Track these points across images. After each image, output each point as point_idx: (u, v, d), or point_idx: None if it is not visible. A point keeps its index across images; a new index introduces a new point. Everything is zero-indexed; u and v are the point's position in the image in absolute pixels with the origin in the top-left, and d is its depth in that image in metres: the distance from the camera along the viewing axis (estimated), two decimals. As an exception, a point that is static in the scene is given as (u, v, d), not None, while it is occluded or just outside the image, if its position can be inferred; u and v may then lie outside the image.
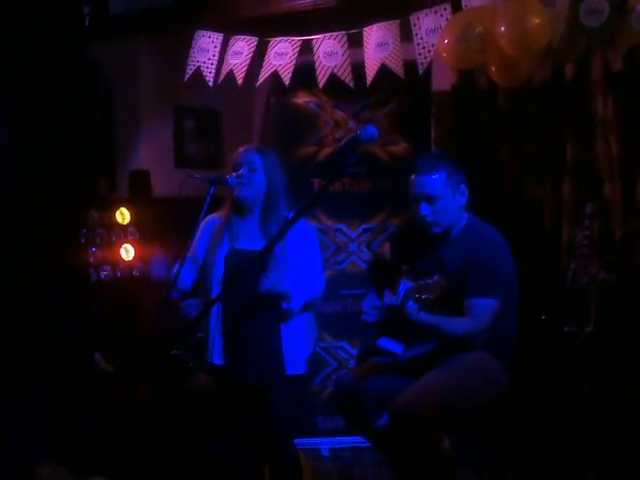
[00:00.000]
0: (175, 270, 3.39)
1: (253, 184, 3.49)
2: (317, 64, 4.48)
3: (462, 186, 3.45)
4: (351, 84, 4.44)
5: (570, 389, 3.97)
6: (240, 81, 4.56)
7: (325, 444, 4.88)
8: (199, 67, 4.61)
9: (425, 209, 3.40)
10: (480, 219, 3.52)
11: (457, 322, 3.31)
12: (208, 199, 3.39)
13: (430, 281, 3.15)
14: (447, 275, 3.24)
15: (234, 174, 3.49)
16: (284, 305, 3.38)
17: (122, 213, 4.88)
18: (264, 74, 4.54)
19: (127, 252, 4.90)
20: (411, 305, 3.17)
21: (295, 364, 3.44)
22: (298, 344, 3.45)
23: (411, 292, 3.19)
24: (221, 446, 4.11)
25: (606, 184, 4.59)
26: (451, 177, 3.41)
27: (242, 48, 4.53)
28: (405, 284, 3.23)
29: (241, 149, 3.58)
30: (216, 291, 3.48)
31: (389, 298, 3.30)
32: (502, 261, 3.38)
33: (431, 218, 3.40)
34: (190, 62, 4.62)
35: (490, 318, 3.30)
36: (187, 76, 4.64)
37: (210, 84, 4.63)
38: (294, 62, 4.47)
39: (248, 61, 4.52)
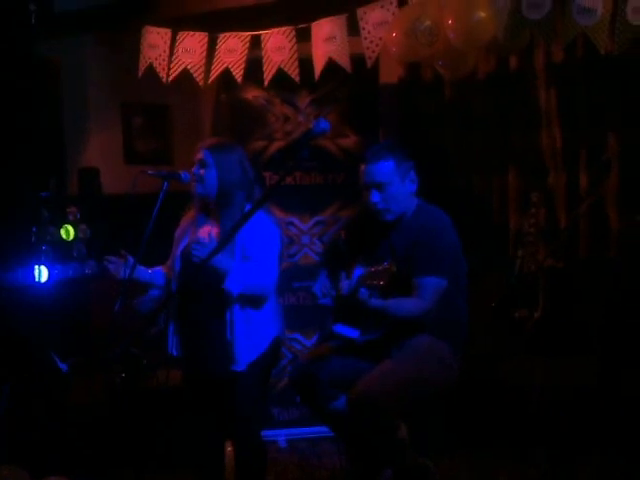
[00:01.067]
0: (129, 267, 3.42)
1: (204, 181, 3.50)
2: (264, 59, 4.50)
3: (411, 173, 3.53)
4: (297, 79, 4.46)
5: (520, 374, 4.06)
6: (200, 81, 4.56)
7: (282, 435, 4.92)
8: (151, 64, 4.59)
9: (375, 196, 3.47)
10: (428, 203, 3.59)
11: (403, 303, 3.38)
12: (162, 195, 3.39)
13: (380, 267, 3.21)
14: (398, 259, 3.31)
15: (189, 171, 3.51)
16: (223, 284, 3.36)
17: (67, 230, 4.84)
18: (215, 71, 4.54)
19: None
20: (362, 292, 3.24)
21: (237, 361, 3.44)
22: (242, 342, 3.45)
23: (362, 279, 3.26)
24: (180, 443, 4.12)
25: (551, 173, 4.71)
26: (399, 164, 3.48)
27: (194, 45, 4.52)
28: (358, 271, 3.30)
29: (198, 146, 3.59)
30: (174, 285, 3.51)
31: (344, 283, 3.36)
32: (447, 240, 3.45)
33: (382, 205, 3.47)
34: (142, 58, 4.60)
35: (435, 296, 3.37)
36: (140, 72, 4.62)
37: (164, 80, 4.62)
38: (245, 58, 4.49)
39: (204, 60, 4.52)
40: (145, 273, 3.63)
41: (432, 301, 3.36)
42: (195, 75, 4.54)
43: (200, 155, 3.52)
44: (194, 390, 3.62)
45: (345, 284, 3.35)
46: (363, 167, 3.51)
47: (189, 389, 3.65)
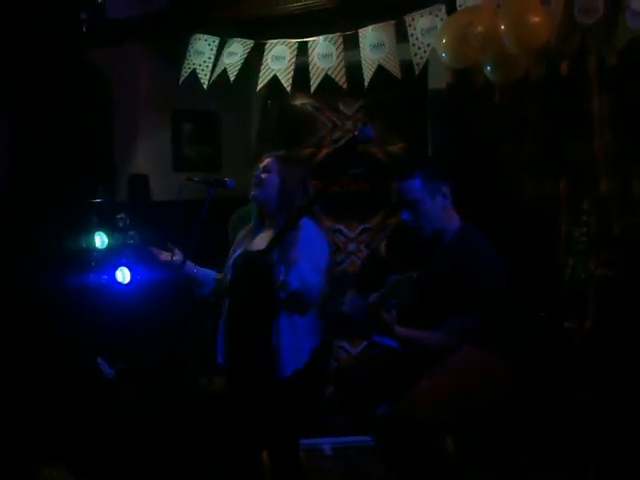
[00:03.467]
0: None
1: (265, 185, 3.53)
2: (311, 66, 4.50)
3: (443, 188, 3.43)
4: (344, 86, 4.46)
5: (569, 386, 3.98)
6: (232, 78, 4.57)
7: (328, 443, 4.89)
8: (194, 69, 4.63)
9: (406, 215, 3.41)
10: (473, 229, 3.50)
11: (428, 338, 3.32)
12: (208, 202, 3.42)
13: (402, 277, 3.16)
14: (431, 280, 3.26)
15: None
16: (283, 276, 3.37)
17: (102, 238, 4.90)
18: (263, 78, 4.56)
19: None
20: (388, 316, 3.21)
21: (283, 368, 3.44)
22: (287, 349, 3.45)
23: (386, 291, 3.22)
24: (222, 448, 4.12)
25: (603, 180, 4.62)
26: (428, 181, 3.40)
27: (237, 49, 4.55)
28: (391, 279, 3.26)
29: (265, 155, 3.66)
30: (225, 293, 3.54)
31: (374, 295, 3.33)
32: (486, 276, 3.33)
33: (413, 224, 3.41)
34: (186, 65, 4.65)
35: (461, 335, 3.30)
36: (182, 79, 4.66)
37: (205, 86, 4.65)
38: (293, 66, 4.50)
39: (242, 60, 4.54)
40: (196, 269, 3.66)
41: (456, 340, 3.30)
42: (230, 74, 4.55)
43: (265, 161, 3.57)
44: (236, 398, 3.61)
45: (374, 296, 3.31)
46: (393, 184, 3.46)
47: (231, 397, 3.65)
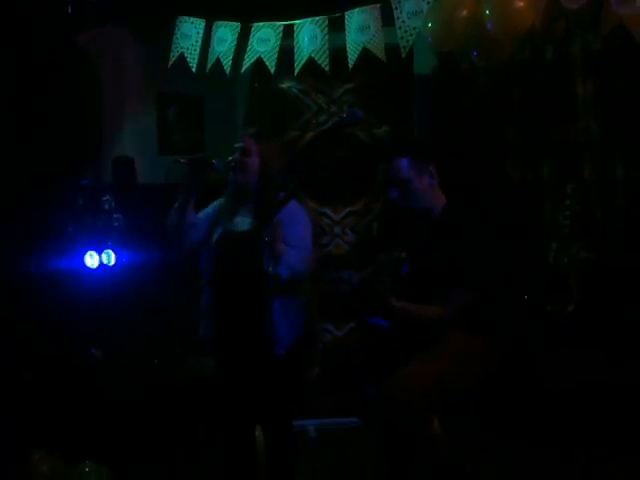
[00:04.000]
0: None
1: (245, 168, 3.52)
2: (296, 49, 4.49)
3: (430, 167, 3.48)
4: (327, 68, 4.46)
5: (552, 368, 4.02)
6: (227, 70, 4.57)
7: (312, 425, 4.92)
8: (182, 53, 4.61)
9: (394, 193, 3.44)
10: (459, 206, 3.54)
11: (427, 311, 3.33)
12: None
13: (391, 255, 3.19)
14: (423, 257, 3.29)
15: (229, 158, 3.53)
16: (271, 269, 3.39)
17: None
18: (248, 60, 4.55)
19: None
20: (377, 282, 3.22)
21: (277, 345, 3.47)
22: (281, 325, 3.48)
23: (377, 268, 3.24)
24: (212, 430, 4.15)
25: (586, 165, 4.65)
26: (416, 160, 3.44)
27: (226, 35, 4.53)
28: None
29: (241, 135, 3.63)
30: (208, 271, 3.52)
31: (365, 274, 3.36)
32: (481, 251, 3.36)
33: (402, 203, 3.44)
34: (173, 48, 4.62)
35: (459, 305, 3.33)
36: (170, 62, 4.64)
37: (194, 70, 4.64)
38: (278, 48, 4.48)
39: (233, 47, 4.53)
40: (195, 216, 3.62)
41: (454, 310, 3.32)
42: (224, 64, 4.54)
43: (244, 143, 3.54)
44: (227, 375, 3.62)
45: (366, 273, 3.34)
46: (380, 165, 3.48)
47: (222, 374, 3.65)
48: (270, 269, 3.37)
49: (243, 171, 3.52)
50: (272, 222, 3.34)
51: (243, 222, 3.54)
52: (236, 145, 3.55)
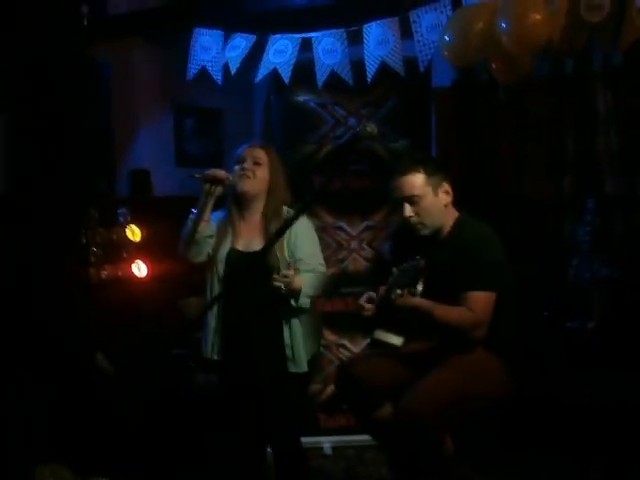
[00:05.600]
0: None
1: (256, 177, 3.49)
2: (316, 62, 4.47)
3: (444, 184, 3.43)
4: (350, 82, 4.43)
5: (572, 386, 3.96)
6: (233, 71, 4.54)
7: (328, 442, 4.87)
8: (204, 66, 4.59)
9: (408, 210, 3.39)
10: (470, 216, 3.49)
11: (453, 310, 3.27)
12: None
13: (407, 265, 3.15)
14: (438, 275, 3.24)
15: (237, 167, 3.49)
16: (294, 303, 3.38)
17: (133, 231, 4.87)
18: (263, 71, 4.53)
19: (139, 269, 4.90)
20: (396, 292, 3.16)
21: (297, 363, 3.44)
22: (300, 343, 3.45)
23: (394, 279, 3.20)
24: (224, 445, 4.10)
25: (607, 179, 4.59)
26: (430, 176, 3.40)
27: (240, 43, 4.52)
28: None
29: (245, 145, 3.59)
30: (216, 289, 3.48)
31: (382, 289, 3.31)
32: (492, 254, 3.34)
33: (415, 219, 3.39)
34: (193, 61, 4.61)
35: (487, 309, 3.27)
36: (192, 75, 4.62)
37: (219, 82, 4.62)
38: (294, 60, 4.46)
39: (243, 54, 4.51)
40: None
41: (484, 315, 3.26)
42: (231, 67, 4.52)
43: (254, 152, 3.50)
44: (235, 395, 3.58)
45: (382, 290, 3.30)
46: (394, 181, 3.44)
47: (230, 393, 3.61)
48: (292, 303, 3.35)
49: (253, 180, 3.49)
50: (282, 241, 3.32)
51: (250, 239, 3.50)
52: (197, 175, 3.47)
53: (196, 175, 3.45)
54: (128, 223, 4.89)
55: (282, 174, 3.55)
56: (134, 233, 4.85)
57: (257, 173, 3.50)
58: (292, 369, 3.44)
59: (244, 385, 3.51)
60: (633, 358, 4.10)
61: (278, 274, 3.28)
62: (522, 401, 3.87)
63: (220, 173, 3.42)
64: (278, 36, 4.52)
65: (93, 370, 4.30)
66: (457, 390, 3.25)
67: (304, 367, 3.44)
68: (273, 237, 3.14)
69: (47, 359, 4.21)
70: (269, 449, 3.68)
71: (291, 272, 3.30)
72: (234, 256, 3.47)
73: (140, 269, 4.88)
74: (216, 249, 3.53)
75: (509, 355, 3.42)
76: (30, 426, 3.86)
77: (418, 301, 3.19)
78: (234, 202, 3.56)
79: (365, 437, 4.60)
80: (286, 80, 4.50)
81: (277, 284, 3.28)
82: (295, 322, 3.45)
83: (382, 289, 3.32)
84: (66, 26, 4.58)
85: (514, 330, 3.45)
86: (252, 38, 4.52)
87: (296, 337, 3.44)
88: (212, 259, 3.53)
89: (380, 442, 3.66)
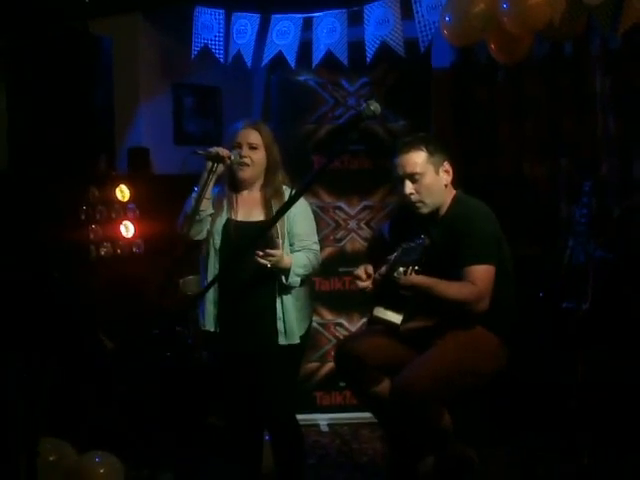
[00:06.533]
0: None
1: (254, 163, 3.50)
2: (314, 41, 4.48)
3: (445, 164, 3.47)
4: (345, 62, 4.44)
5: (565, 366, 4.00)
6: (249, 63, 4.56)
7: (324, 419, 4.93)
8: (206, 45, 4.59)
9: (409, 188, 3.42)
10: (467, 195, 3.52)
11: (454, 285, 3.31)
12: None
13: (413, 243, 3.18)
14: (437, 252, 3.28)
15: (236, 152, 3.49)
16: (284, 280, 3.41)
17: (122, 190, 4.88)
18: (269, 54, 4.53)
19: (127, 229, 4.91)
20: (399, 271, 3.19)
21: (289, 335, 3.46)
22: (293, 316, 3.47)
23: (397, 258, 3.23)
24: (223, 421, 4.15)
25: (603, 162, 4.62)
26: (432, 155, 3.43)
27: (245, 27, 4.51)
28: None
29: (238, 126, 3.56)
30: (213, 260, 3.51)
31: (383, 268, 3.34)
32: (489, 229, 3.37)
33: (415, 197, 3.42)
34: (196, 40, 4.60)
35: (487, 282, 3.30)
36: (194, 54, 4.62)
37: (222, 61, 4.61)
38: (298, 42, 4.47)
39: (253, 42, 4.51)
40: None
41: (485, 287, 3.29)
42: (245, 57, 4.53)
43: (249, 138, 3.51)
44: (232, 368, 3.60)
45: (384, 268, 3.33)
46: (395, 159, 3.46)
47: (226, 366, 3.63)
48: (283, 280, 3.39)
49: (252, 167, 3.50)
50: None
51: (248, 212, 3.53)
52: (200, 152, 3.41)
53: (199, 152, 3.44)
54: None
55: (277, 151, 3.55)
56: (123, 193, 4.88)
57: (254, 158, 3.50)
58: (283, 341, 3.45)
59: (236, 354, 3.53)
60: (626, 338, 4.15)
61: (263, 252, 3.29)
62: (516, 379, 3.92)
63: (223, 151, 3.42)
64: (279, 16, 4.52)
65: (95, 344, 4.31)
66: (454, 365, 3.29)
67: (296, 339, 3.46)
68: (276, 214, 3.15)
69: (49, 333, 4.23)
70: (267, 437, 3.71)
71: (278, 252, 3.32)
72: (232, 226, 3.49)
73: (128, 229, 4.90)
74: (212, 222, 3.54)
75: (506, 331, 3.46)
76: (32, 400, 3.89)
77: (422, 279, 3.24)
78: (231, 180, 3.57)
79: (360, 414, 4.68)
80: (292, 64, 4.51)
81: (262, 261, 3.29)
82: (287, 297, 3.47)
83: (383, 267, 3.35)
84: (68, 1, 4.56)
85: (512, 308, 3.49)
86: (254, 18, 4.52)
87: (288, 310, 3.46)
88: (209, 232, 3.55)
89: (379, 418, 3.69)
